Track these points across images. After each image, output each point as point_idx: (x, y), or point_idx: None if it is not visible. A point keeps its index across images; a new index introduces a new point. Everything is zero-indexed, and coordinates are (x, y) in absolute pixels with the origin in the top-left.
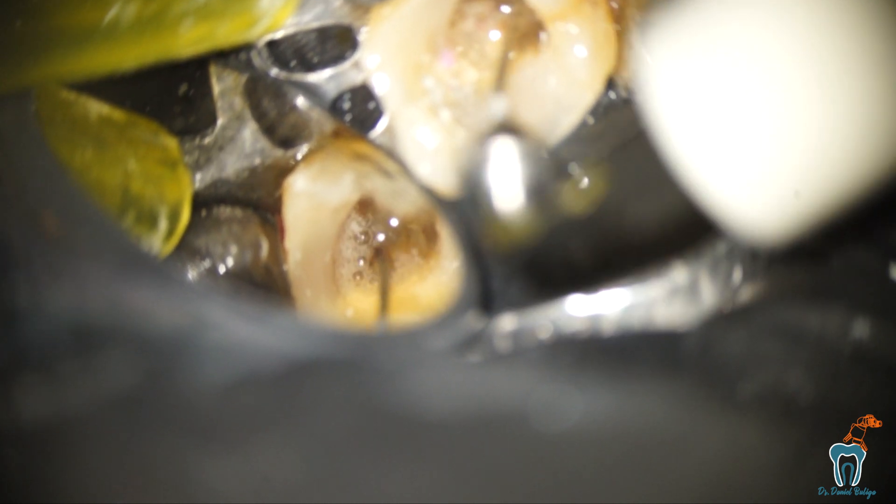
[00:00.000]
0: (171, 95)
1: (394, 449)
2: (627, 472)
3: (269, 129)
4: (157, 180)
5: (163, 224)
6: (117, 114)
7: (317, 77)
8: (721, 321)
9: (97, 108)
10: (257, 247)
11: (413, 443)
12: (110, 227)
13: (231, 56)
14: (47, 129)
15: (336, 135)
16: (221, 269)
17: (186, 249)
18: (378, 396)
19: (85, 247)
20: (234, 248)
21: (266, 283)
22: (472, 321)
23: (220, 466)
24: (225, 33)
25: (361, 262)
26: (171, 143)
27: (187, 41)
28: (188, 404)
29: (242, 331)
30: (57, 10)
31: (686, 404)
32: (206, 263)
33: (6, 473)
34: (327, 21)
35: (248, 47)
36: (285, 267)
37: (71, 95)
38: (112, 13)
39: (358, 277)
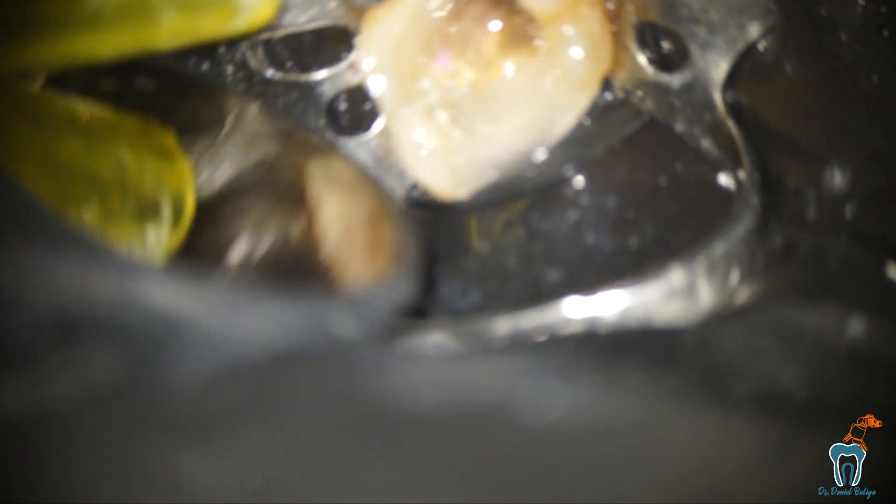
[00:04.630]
0: (172, 91)
1: (377, 443)
2: (617, 467)
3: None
4: (155, 171)
5: (167, 213)
6: (105, 111)
7: (313, 78)
8: (717, 320)
9: (84, 104)
10: (286, 234)
11: (397, 437)
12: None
13: (226, 56)
14: (17, 125)
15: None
16: (251, 261)
17: (206, 246)
18: (361, 390)
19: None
20: (260, 240)
21: (300, 270)
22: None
23: (201, 462)
24: (206, 26)
25: None
26: (165, 134)
27: (168, 32)
28: (169, 398)
29: (223, 322)
30: None
31: (679, 401)
32: (233, 257)
33: None
34: (323, 22)
35: (242, 47)
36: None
37: (46, 92)
38: (93, 1)
39: None
